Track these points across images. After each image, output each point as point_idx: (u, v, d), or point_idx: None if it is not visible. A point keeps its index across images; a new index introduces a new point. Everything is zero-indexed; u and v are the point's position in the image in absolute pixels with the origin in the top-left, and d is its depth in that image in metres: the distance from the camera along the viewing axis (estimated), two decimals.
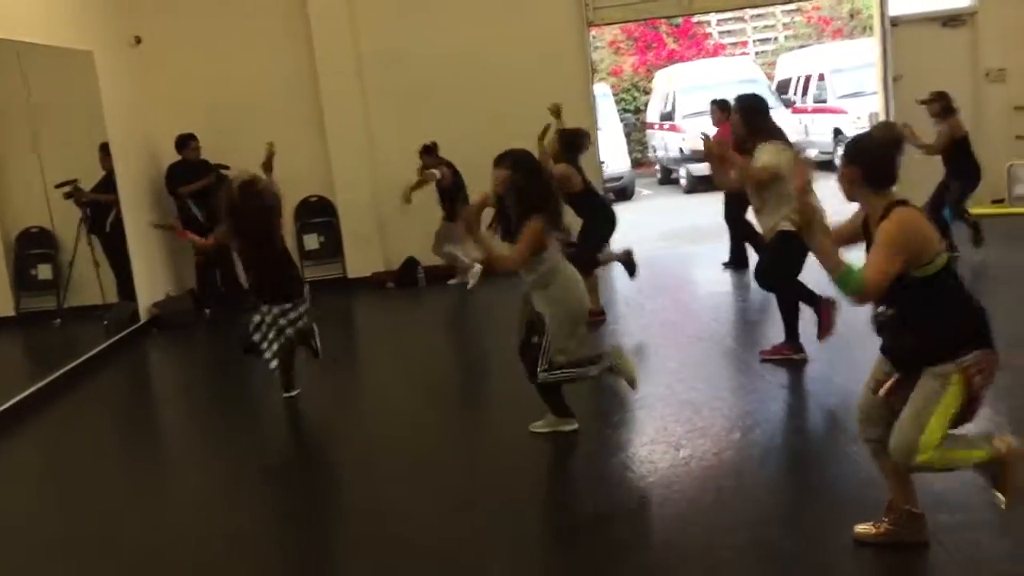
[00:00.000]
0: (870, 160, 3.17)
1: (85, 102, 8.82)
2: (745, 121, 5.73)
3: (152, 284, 9.55)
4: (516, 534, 4.12)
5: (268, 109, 10.04)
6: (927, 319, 3.17)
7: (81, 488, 5.30)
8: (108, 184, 8.99)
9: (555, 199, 4.87)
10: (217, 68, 9.99)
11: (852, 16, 22.53)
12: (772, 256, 5.78)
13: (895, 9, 10.33)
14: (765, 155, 5.54)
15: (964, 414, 3.21)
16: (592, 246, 7.24)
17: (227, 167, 9.56)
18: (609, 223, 7.38)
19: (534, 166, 4.89)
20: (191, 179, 9.52)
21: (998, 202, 9.98)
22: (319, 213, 10.38)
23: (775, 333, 6.23)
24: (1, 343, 9.06)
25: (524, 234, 4.68)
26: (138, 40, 9.72)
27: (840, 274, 3.11)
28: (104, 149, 8.99)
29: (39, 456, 6.19)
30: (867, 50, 13.09)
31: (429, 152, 9.32)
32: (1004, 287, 7.33)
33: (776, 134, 5.72)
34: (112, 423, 6.90)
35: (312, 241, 10.39)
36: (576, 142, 7.37)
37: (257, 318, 5.76)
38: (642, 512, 4.27)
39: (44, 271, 9.50)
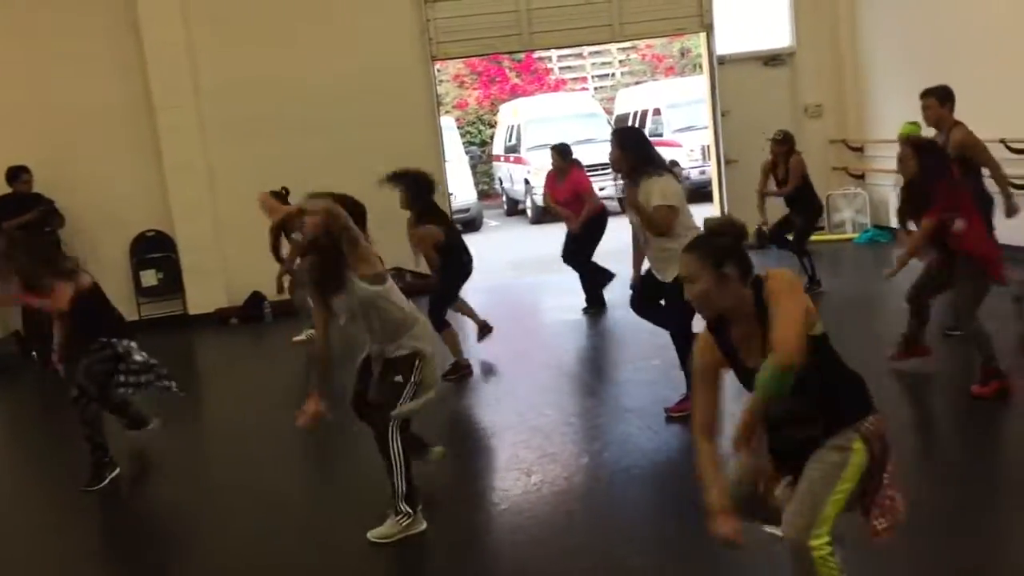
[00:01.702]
0: (739, 257, 2.81)
1: None
2: (627, 156, 5.38)
3: None
4: (365, 567, 4.06)
5: (100, 140, 9.65)
6: (829, 385, 2.85)
7: None
8: None
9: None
10: (44, 98, 9.50)
11: (683, 55, 23.65)
12: (678, 308, 4.82)
13: (722, 48, 10.92)
14: (656, 191, 5.19)
15: (863, 491, 2.85)
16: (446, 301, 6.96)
17: (52, 201, 9.09)
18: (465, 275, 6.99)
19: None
20: (20, 213, 8.96)
21: (818, 230, 10.66)
22: (157, 248, 9.99)
23: (622, 357, 6.41)
24: None
25: None
26: None
27: (763, 394, 2.71)
28: None
29: None
30: (697, 87, 13.78)
31: (279, 198, 8.68)
32: (848, 312, 7.62)
33: (661, 165, 5.46)
34: None
35: (150, 277, 9.98)
36: (429, 184, 6.97)
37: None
38: (496, 539, 4.29)
39: None
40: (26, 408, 7.93)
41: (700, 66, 12.34)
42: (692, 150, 16.39)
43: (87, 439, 5.29)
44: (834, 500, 2.78)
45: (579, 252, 8.67)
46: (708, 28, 10.82)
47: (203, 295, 9.95)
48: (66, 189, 9.29)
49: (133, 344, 5.43)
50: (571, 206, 8.64)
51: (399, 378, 4.17)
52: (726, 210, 10.82)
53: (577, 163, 8.91)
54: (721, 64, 10.94)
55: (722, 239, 2.84)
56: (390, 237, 7.28)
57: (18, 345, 9.16)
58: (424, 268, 7.29)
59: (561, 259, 8.83)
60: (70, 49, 9.51)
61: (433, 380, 4.30)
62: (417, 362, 4.19)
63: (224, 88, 9.74)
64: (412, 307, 4.30)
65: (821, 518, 2.76)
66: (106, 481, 5.27)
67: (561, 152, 8.82)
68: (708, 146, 12.13)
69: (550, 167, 9.03)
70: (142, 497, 5.44)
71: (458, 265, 6.81)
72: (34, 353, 9.04)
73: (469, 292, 7.71)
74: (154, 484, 5.62)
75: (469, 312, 7.45)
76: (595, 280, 8.75)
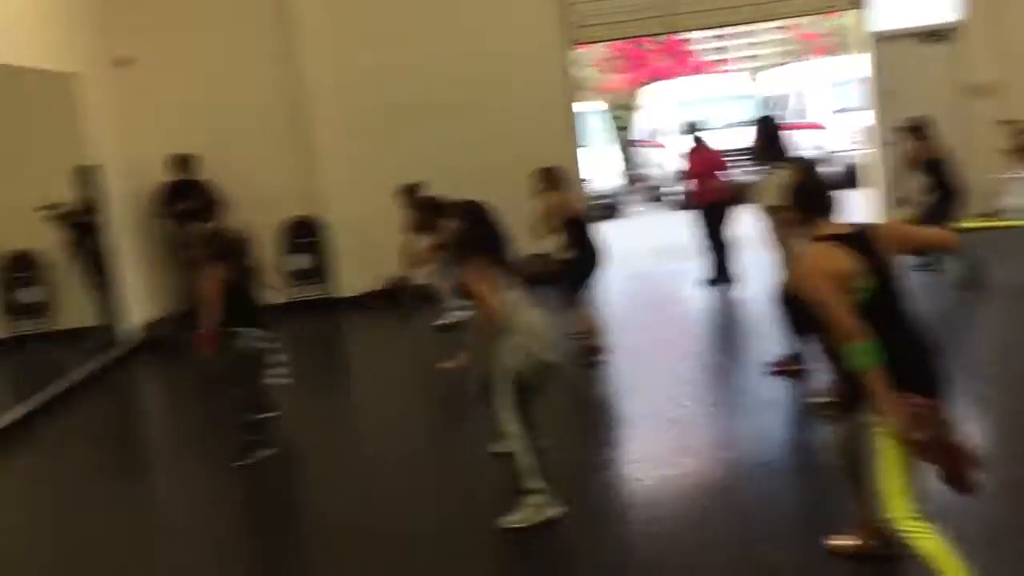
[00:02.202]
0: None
1: (68, 124, 8.79)
2: (760, 145, 5.79)
3: (141, 306, 9.49)
4: (499, 555, 4.08)
5: (255, 129, 10.04)
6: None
7: (67, 515, 5.23)
8: (91, 207, 8.95)
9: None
10: (203, 89, 9.97)
11: (835, 33, 22.71)
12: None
13: (880, 25, 10.39)
14: (772, 188, 5.28)
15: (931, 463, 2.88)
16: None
17: (214, 187, 9.58)
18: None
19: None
20: (181, 200, 9.49)
21: (986, 216, 10.01)
22: (307, 232, 10.35)
23: (764, 349, 6.21)
24: None
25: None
26: (123, 62, 9.69)
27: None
28: (83, 172, 8.95)
29: (31, 476, 6.14)
30: (850, 66, 13.16)
31: (410, 193, 8.83)
32: (1018, 303, 7.20)
33: (786, 158, 5.63)
34: (100, 446, 6.83)
35: (299, 261, 10.35)
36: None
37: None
38: (630, 531, 4.23)
39: (30, 294, 9.46)
40: (188, 384, 8.37)
41: (854, 44, 11.77)
42: (846, 132, 15.68)
43: (238, 418, 5.53)
44: (886, 478, 2.83)
45: (710, 229, 8.90)
46: (859, 4, 10.33)
47: (350, 279, 10.23)
48: (226, 175, 9.75)
49: (267, 332, 5.60)
50: (703, 185, 8.89)
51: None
52: (888, 193, 10.33)
53: (707, 143, 9.18)
54: (879, 41, 10.42)
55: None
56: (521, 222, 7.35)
57: (185, 325, 9.68)
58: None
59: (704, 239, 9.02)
60: (228, 43, 9.95)
61: (522, 364, 4.21)
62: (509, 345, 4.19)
63: (367, 77, 9.97)
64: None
65: (886, 498, 2.83)
66: (256, 458, 5.49)
67: (691, 132, 9.11)
68: (868, 128, 11.53)
69: (689, 148, 9.30)
70: (288, 472, 5.64)
71: (586, 249, 6.82)
72: (192, 333, 9.52)
73: (608, 279, 7.61)
74: (300, 460, 5.81)
75: (592, 326, 7.16)
76: (723, 258, 8.88)
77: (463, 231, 4.48)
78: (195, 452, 6.19)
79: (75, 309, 9.26)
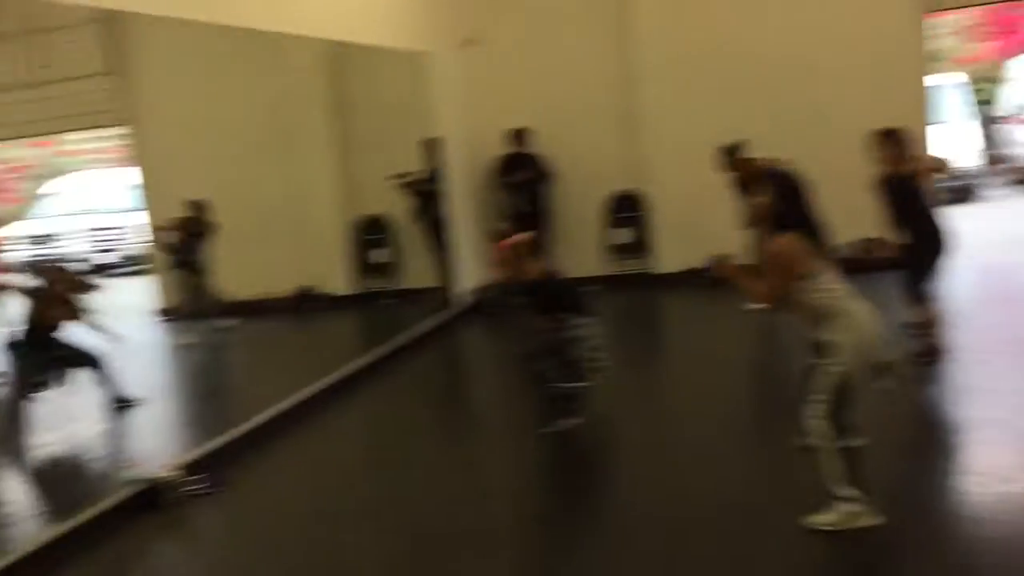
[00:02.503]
0: None
1: (418, 100, 9.50)
2: None
3: (473, 270, 10.08)
4: (805, 560, 3.85)
5: (585, 104, 10.23)
6: None
7: (393, 459, 5.70)
8: (434, 176, 9.61)
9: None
10: (542, 66, 10.31)
11: None
12: None
13: None
14: None
15: None
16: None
17: (543, 160, 9.92)
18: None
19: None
20: (515, 171, 9.94)
21: None
22: (630, 207, 10.42)
23: None
24: (343, 319, 10.04)
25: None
26: (471, 41, 10.26)
27: None
28: (429, 144, 9.62)
29: (365, 420, 6.78)
30: None
31: (730, 154, 8.62)
32: None
33: None
34: (428, 398, 7.38)
35: (622, 235, 10.45)
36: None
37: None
38: (956, 552, 3.82)
39: (380, 255, 10.40)
40: (509, 349, 8.79)
41: None
42: None
43: (549, 386, 5.67)
44: None
45: None
46: None
47: (671, 255, 10.17)
48: (556, 149, 10.07)
49: (587, 320, 5.65)
50: None
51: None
52: None
53: None
54: None
55: None
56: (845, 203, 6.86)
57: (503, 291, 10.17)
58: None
59: None
60: (567, 22, 10.20)
61: (847, 361, 3.85)
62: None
63: (699, 51, 9.78)
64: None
65: None
66: (562, 427, 5.62)
67: None
68: None
69: None
70: (594, 444, 5.72)
71: (924, 237, 6.15)
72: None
73: (954, 270, 6.90)
74: (607, 435, 5.87)
75: (932, 321, 6.45)
76: None
77: (769, 202, 4.23)
78: (507, 415, 6.47)
79: (417, 271, 10.06)
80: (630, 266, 10.42)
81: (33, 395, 6.26)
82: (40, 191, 19.27)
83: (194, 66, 9.79)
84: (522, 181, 9.96)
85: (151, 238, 10.50)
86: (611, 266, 10.40)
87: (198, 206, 8.83)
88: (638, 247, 10.41)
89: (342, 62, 9.87)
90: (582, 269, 9.72)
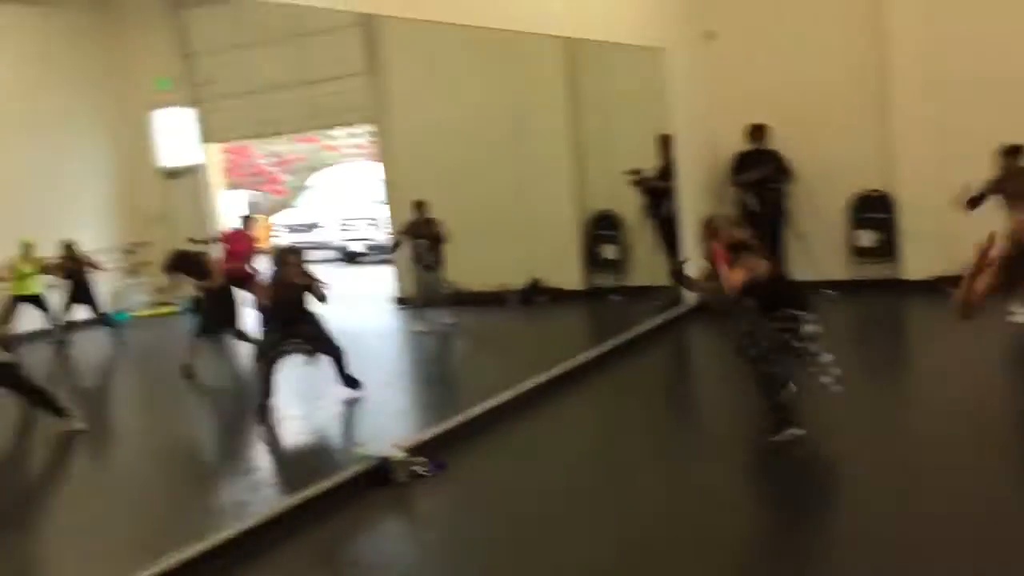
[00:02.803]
0: None
1: (653, 96, 9.43)
2: None
3: (702, 269, 9.88)
4: None
5: (829, 100, 9.76)
6: None
7: (611, 458, 5.73)
8: (666, 173, 9.52)
9: None
10: (784, 61, 9.93)
11: None
12: None
13: None
14: None
15: None
16: None
17: (781, 157, 9.55)
18: None
19: None
20: (751, 169, 9.66)
21: None
22: (877, 208, 9.82)
23: None
24: (570, 313, 10.19)
25: None
26: (711, 35, 10.06)
27: None
28: (663, 140, 9.53)
29: (587, 415, 6.86)
30: None
31: (1013, 155, 7.89)
32: None
33: None
34: (650, 397, 7.34)
35: (867, 238, 9.88)
36: None
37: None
38: None
39: (610, 251, 10.45)
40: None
41: None
42: None
43: (765, 396, 5.46)
44: None
45: None
46: None
47: (920, 261, 9.50)
48: (796, 146, 9.67)
49: (810, 316, 5.40)
50: None
51: None
52: None
53: None
54: None
55: None
56: None
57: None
58: None
59: None
60: (813, 15, 9.76)
61: None
62: None
63: (956, 46, 9.03)
64: None
65: None
66: (787, 437, 5.40)
67: None
68: None
69: None
70: (817, 457, 5.46)
71: None
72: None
73: None
74: (834, 448, 5.58)
75: None
76: None
77: None
78: (730, 419, 6.30)
79: (646, 268, 10.01)
80: (874, 271, 9.83)
81: (275, 369, 6.81)
82: (305, 183, 20.93)
83: (438, 66, 10.26)
84: (758, 179, 9.65)
85: (391, 231, 11.12)
86: (853, 270, 9.87)
87: (420, 205, 9.30)
88: (883, 251, 9.80)
89: (578, 59, 9.99)
90: (821, 272, 9.31)
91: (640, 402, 7.13)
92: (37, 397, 6.65)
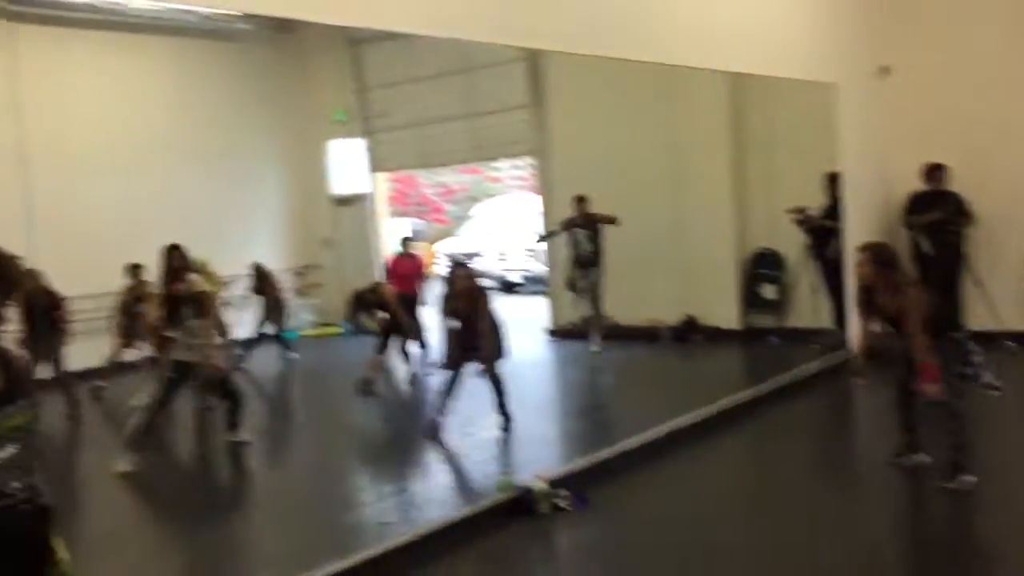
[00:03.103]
0: None
1: (821, 132, 9.13)
2: None
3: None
4: None
5: (1013, 139, 9.16)
6: None
7: (763, 503, 5.53)
8: (833, 212, 9.16)
9: None
10: (963, 97, 9.40)
11: None
12: None
13: None
14: None
15: None
16: None
17: (960, 199, 9.01)
18: None
19: None
20: (927, 210, 9.17)
21: None
22: None
23: None
24: (725, 352, 9.94)
25: None
26: (886, 71, 9.66)
27: None
28: (831, 178, 9.19)
29: (742, 454, 6.66)
30: None
31: None
32: None
33: None
34: (806, 441, 7.04)
35: None
36: None
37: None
38: None
39: (769, 291, 10.15)
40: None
41: None
42: None
43: (951, 433, 5.17)
44: None
45: None
46: None
47: None
48: (975, 187, 9.11)
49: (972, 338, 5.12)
50: None
51: None
52: None
53: None
54: None
55: None
56: None
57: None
58: None
59: None
60: (1001, 50, 9.21)
61: None
62: None
63: None
64: None
65: None
66: (962, 484, 5.07)
67: None
68: None
69: None
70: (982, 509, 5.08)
71: None
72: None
73: None
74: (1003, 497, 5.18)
75: None
76: None
77: None
78: (893, 469, 5.95)
79: (807, 309, 9.65)
80: None
81: (456, 385, 6.97)
82: (467, 212, 21.43)
83: (599, 99, 10.32)
84: (934, 221, 9.13)
85: (547, 262, 11.21)
86: None
87: (581, 200, 9.46)
88: None
89: (742, 93, 9.81)
90: (1001, 323, 8.72)
91: (795, 446, 6.85)
92: (234, 405, 7.03)
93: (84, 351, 8.68)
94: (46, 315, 8.02)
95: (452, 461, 6.83)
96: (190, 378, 6.83)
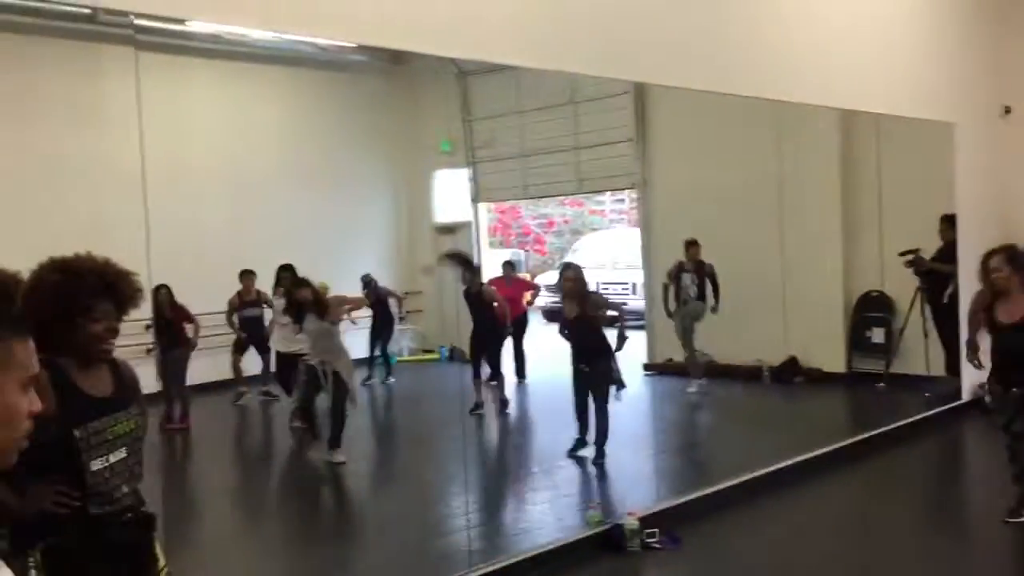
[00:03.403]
0: None
1: (937, 172, 8.83)
2: None
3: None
4: None
5: None
6: None
7: (863, 553, 5.32)
8: (948, 255, 8.82)
9: None
10: None
11: None
12: None
13: None
14: None
15: None
16: None
17: None
18: None
19: None
20: None
21: None
22: None
23: None
24: (832, 396, 9.65)
25: None
26: (1008, 110, 9.31)
27: None
28: (947, 220, 8.86)
29: (844, 500, 6.44)
30: None
31: None
32: None
33: None
34: (913, 493, 6.76)
35: None
36: None
37: None
38: None
39: (877, 335, 9.82)
40: None
41: None
42: None
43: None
44: None
45: None
46: None
47: None
48: None
49: None
50: None
51: None
52: None
53: None
54: None
55: None
56: None
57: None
58: None
59: None
60: None
61: None
62: None
63: None
64: None
65: None
66: None
67: None
68: None
69: None
70: None
71: None
72: None
73: None
74: None
75: None
76: None
77: None
78: (1006, 530, 5.65)
79: (918, 356, 9.30)
80: None
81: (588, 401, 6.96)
82: (568, 245, 21.48)
83: (704, 134, 10.22)
84: None
85: (647, 297, 11.12)
86: None
87: (691, 245, 9.32)
88: None
89: (853, 129, 9.58)
90: None
91: (901, 496, 6.58)
92: (337, 422, 7.19)
93: (205, 366, 9.09)
94: (174, 329, 8.49)
95: (545, 491, 6.80)
96: (321, 381, 7.10)
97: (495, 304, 9.20)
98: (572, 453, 6.98)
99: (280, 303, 8.21)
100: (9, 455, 1.39)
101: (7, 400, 1.37)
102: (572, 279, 7.10)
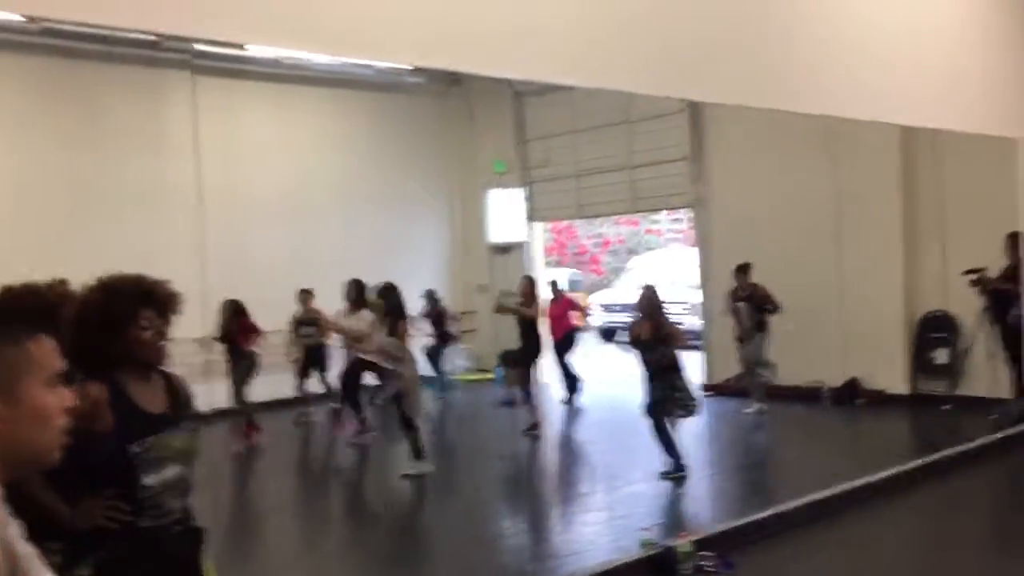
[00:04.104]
0: None
1: (1002, 189, 8.60)
2: None
3: None
4: None
5: None
6: None
7: (930, 570, 5.16)
8: (1015, 274, 8.57)
9: None
10: None
11: None
12: None
13: None
14: None
15: None
16: None
17: None
18: None
19: None
20: None
21: None
22: None
23: None
24: (894, 418, 9.42)
25: None
26: None
27: None
28: (1013, 238, 8.62)
29: (907, 525, 6.26)
30: None
31: None
32: None
33: None
34: (980, 518, 6.55)
35: None
36: None
37: None
38: None
39: (941, 355, 9.58)
40: None
41: None
42: None
43: None
44: None
45: None
46: None
47: None
48: None
49: None
50: None
51: None
52: None
53: None
54: None
55: None
56: None
57: None
58: None
59: None
60: None
61: None
62: None
63: None
64: None
65: None
66: None
67: None
68: None
69: None
70: None
71: None
72: None
73: None
74: None
75: None
76: None
77: None
78: None
79: (984, 377, 9.04)
80: None
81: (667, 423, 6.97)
82: (623, 264, 21.33)
83: (761, 151, 10.11)
84: None
85: (704, 317, 10.98)
86: None
87: (743, 269, 9.25)
88: None
89: (914, 145, 9.40)
90: None
91: (967, 521, 6.36)
92: (412, 434, 7.40)
93: (263, 384, 9.29)
94: (241, 346, 8.93)
95: (599, 512, 6.73)
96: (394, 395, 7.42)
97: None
98: (668, 476, 6.94)
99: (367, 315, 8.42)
100: (51, 455, 1.40)
101: (35, 403, 1.37)
102: (646, 298, 7.13)
